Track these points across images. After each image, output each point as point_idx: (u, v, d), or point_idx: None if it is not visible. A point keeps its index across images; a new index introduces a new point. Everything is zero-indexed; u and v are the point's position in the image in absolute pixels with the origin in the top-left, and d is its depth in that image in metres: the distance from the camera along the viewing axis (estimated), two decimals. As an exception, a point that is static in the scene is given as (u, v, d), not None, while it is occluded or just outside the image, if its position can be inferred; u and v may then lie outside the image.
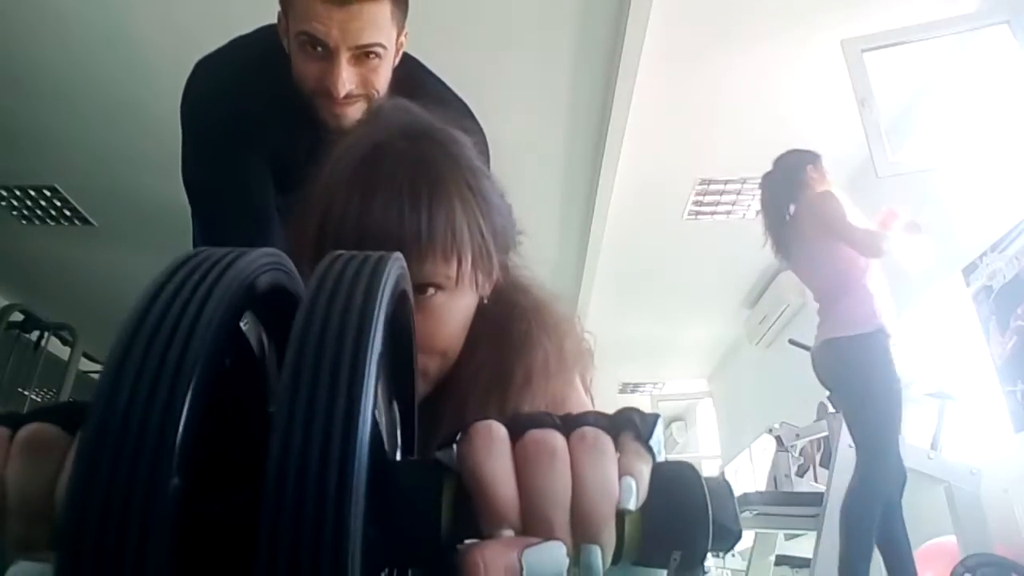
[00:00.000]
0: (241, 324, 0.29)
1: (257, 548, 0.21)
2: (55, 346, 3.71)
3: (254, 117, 1.12)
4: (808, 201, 2.49)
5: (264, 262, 0.28)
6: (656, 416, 0.34)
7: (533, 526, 0.29)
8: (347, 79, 1.03)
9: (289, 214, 0.94)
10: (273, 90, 1.11)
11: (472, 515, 0.29)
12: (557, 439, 0.30)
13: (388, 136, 0.61)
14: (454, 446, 0.30)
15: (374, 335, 0.24)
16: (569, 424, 0.31)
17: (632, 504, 0.29)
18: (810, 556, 2.68)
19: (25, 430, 0.32)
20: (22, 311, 3.54)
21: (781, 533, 3.24)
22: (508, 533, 0.28)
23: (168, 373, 0.22)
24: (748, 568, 3.25)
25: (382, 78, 1.08)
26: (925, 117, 3.25)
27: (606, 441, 0.31)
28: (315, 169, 0.64)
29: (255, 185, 1.15)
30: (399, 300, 0.31)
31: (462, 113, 1.16)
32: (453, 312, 0.61)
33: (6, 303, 3.65)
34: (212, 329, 0.23)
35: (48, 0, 2.88)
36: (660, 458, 0.33)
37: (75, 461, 0.22)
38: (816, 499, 2.83)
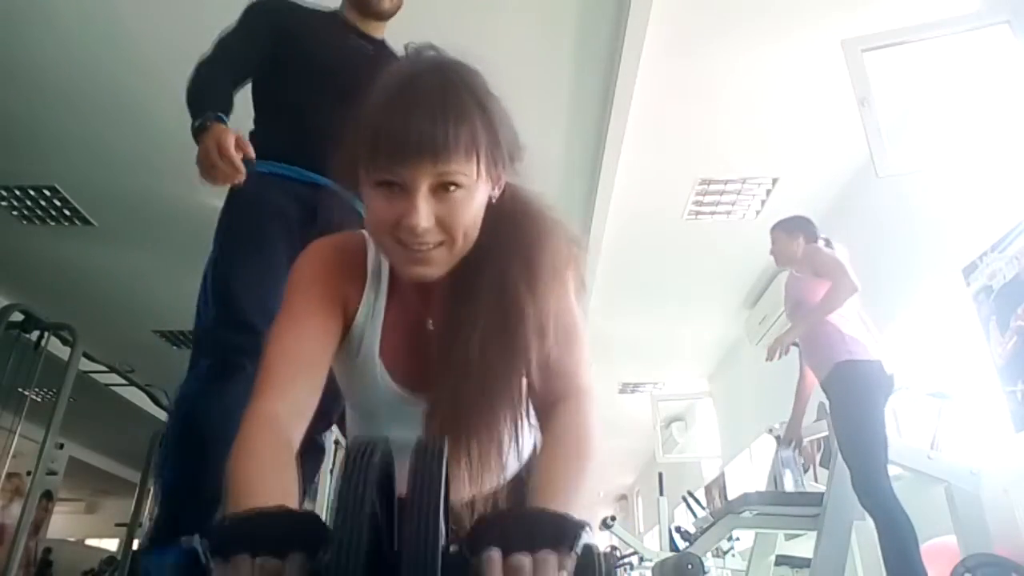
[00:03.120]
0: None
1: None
2: (55, 346, 3.70)
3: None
4: None
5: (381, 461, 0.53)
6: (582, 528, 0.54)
7: None
8: None
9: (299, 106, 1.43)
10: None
11: None
12: (526, 563, 0.50)
13: (422, 68, 0.78)
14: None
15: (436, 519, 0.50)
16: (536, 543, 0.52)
17: None
18: (810, 556, 2.68)
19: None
20: (22, 311, 3.54)
21: (781, 533, 3.24)
22: None
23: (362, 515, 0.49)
24: (748, 568, 3.25)
25: None
26: (925, 117, 3.25)
27: (552, 562, 0.51)
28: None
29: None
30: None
31: None
32: (469, 205, 0.77)
33: (6, 303, 3.64)
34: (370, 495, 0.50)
35: (48, 0, 2.88)
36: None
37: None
38: (816, 499, 2.83)
